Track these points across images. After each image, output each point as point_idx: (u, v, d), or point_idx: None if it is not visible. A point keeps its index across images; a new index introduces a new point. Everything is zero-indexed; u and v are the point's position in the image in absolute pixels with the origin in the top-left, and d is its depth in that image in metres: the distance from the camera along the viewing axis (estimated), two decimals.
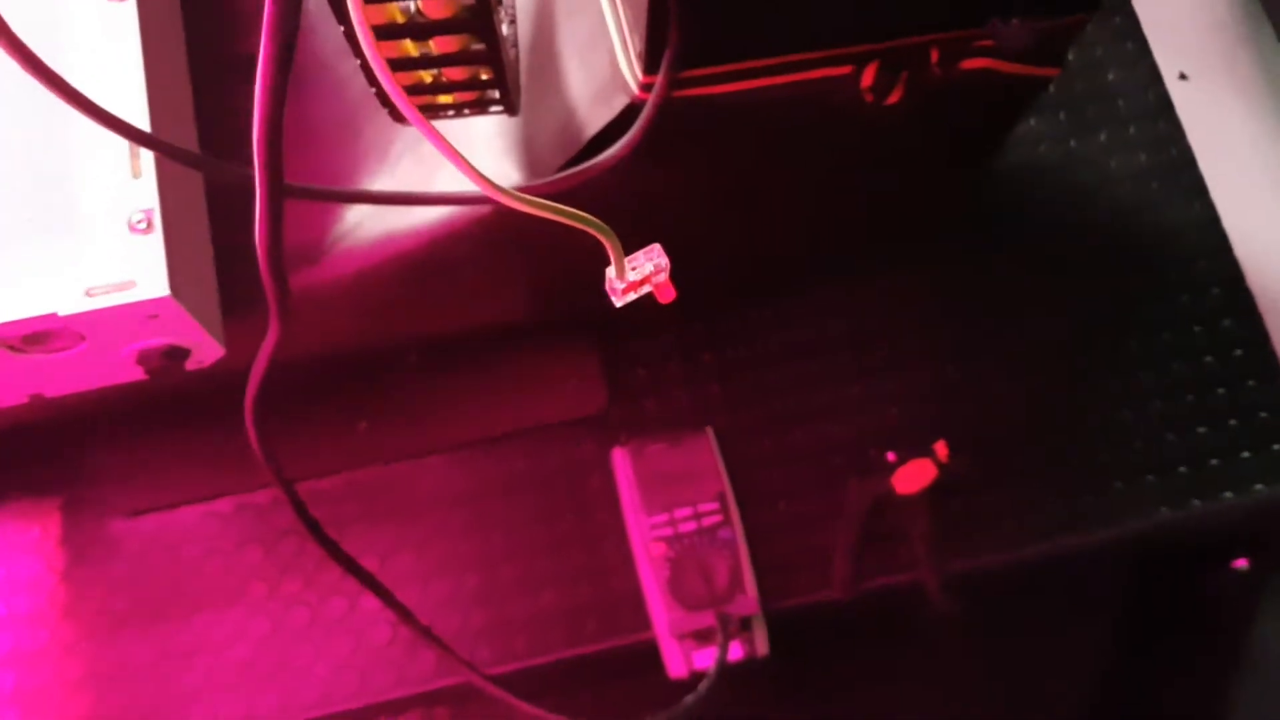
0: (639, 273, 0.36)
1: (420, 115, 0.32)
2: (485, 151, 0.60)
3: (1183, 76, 0.84)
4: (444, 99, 0.48)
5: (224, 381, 0.65)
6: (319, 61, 0.63)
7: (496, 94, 0.48)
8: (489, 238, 0.62)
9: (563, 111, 0.56)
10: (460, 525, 0.74)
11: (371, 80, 0.44)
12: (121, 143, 0.50)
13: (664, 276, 0.36)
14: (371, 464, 0.74)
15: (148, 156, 0.50)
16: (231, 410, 0.75)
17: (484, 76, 0.46)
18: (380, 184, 0.60)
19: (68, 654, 0.70)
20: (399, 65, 0.44)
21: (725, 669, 0.66)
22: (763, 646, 0.70)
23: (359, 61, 0.43)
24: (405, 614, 0.57)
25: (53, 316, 0.48)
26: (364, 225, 0.61)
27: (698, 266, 0.74)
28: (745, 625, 0.70)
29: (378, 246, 0.61)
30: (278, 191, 0.34)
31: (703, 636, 0.70)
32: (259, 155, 0.33)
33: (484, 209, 0.60)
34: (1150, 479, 0.75)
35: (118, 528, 0.72)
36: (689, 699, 0.63)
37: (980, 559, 0.73)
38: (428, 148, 0.59)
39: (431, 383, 0.75)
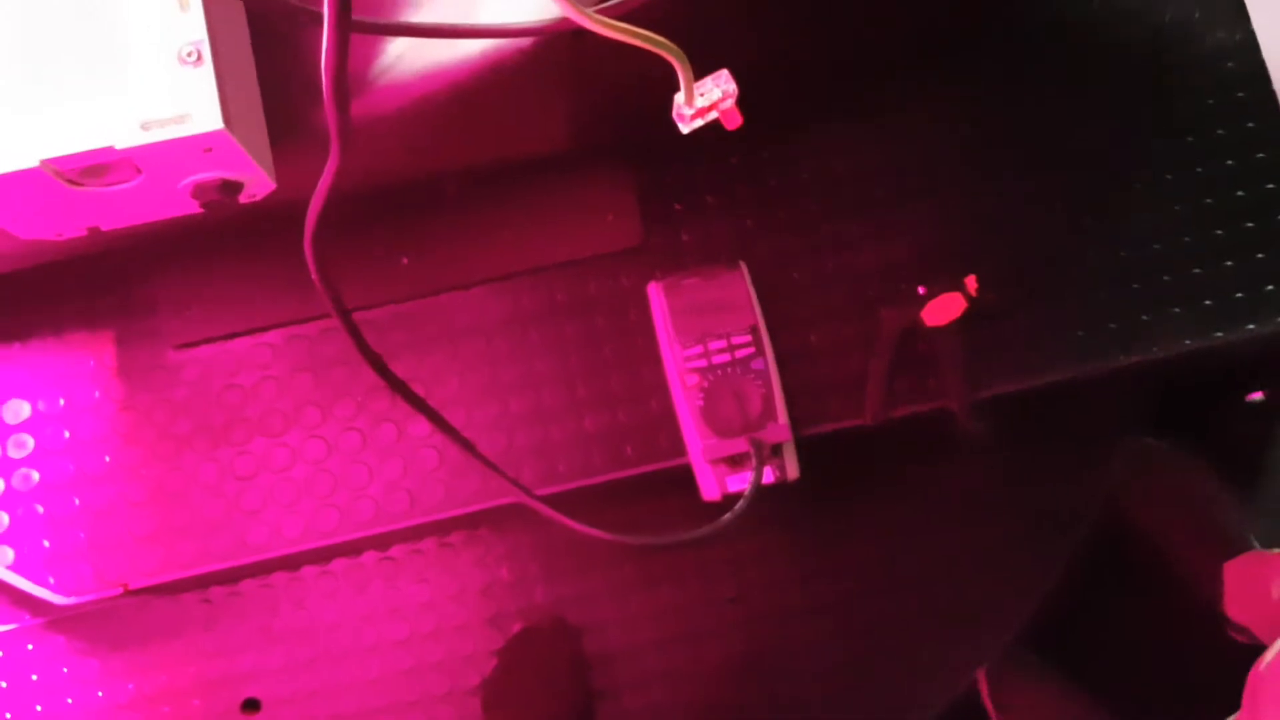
0: (707, 98, 0.37)
1: None
2: None
3: None
4: None
5: (270, 214, 0.67)
6: None
7: None
8: (530, 69, 0.63)
9: None
10: (503, 353, 0.76)
11: None
12: None
13: (731, 102, 0.37)
14: (416, 296, 0.76)
15: None
16: (278, 243, 0.76)
17: None
18: (421, 16, 0.60)
19: (131, 476, 0.73)
20: None
21: (759, 491, 0.69)
22: (793, 471, 0.73)
23: None
24: (461, 440, 0.59)
25: (109, 150, 0.49)
26: (406, 58, 0.61)
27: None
28: (776, 451, 0.73)
29: (420, 79, 0.62)
30: (345, 24, 0.35)
31: (736, 461, 0.73)
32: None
33: (526, 41, 0.61)
34: (1176, 311, 0.77)
35: (173, 357, 0.74)
36: (726, 517, 0.66)
37: (1007, 385, 0.76)
38: None
39: (471, 216, 0.76)
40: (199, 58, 0.50)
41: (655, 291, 0.75)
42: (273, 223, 0.70)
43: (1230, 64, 0.80)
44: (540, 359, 0.76)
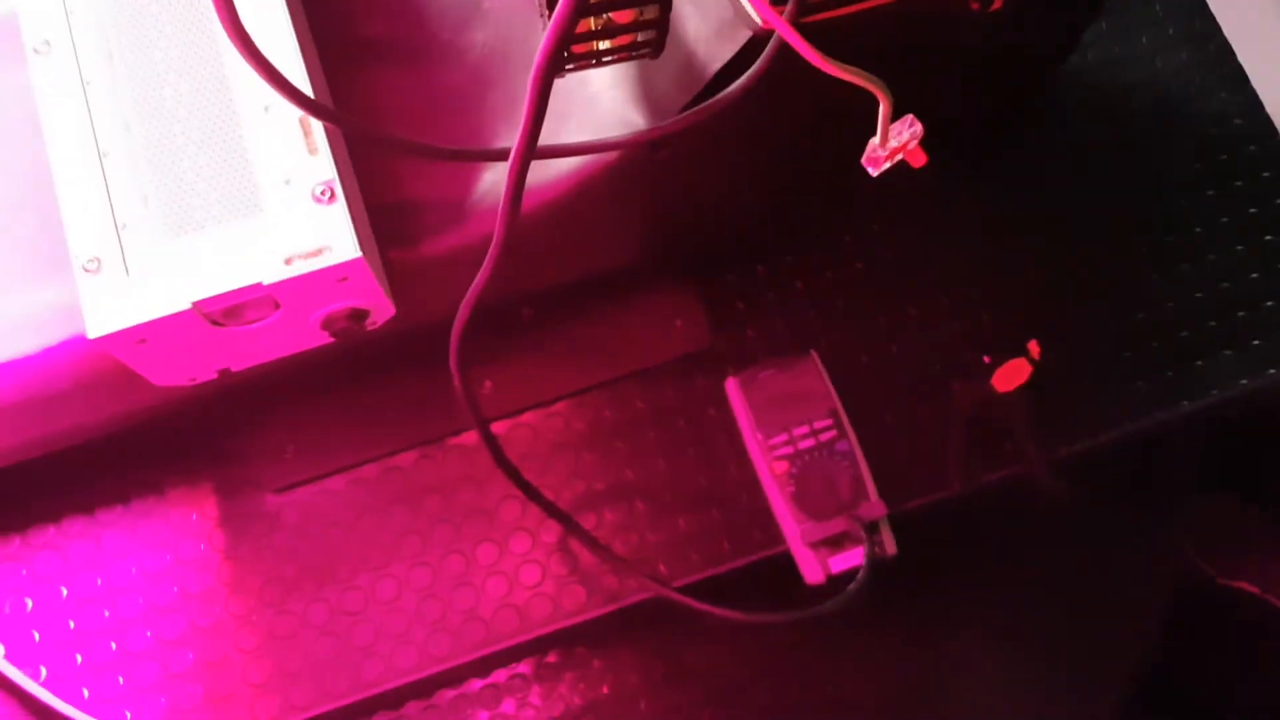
0: (898, 139, 0.40)
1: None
2: (609, 101, 0.64)
3: None
4: (602, 45, 0.52)
5: (351, 352, 0.69)
6: (435, 36, 0.67)
7: (653, 34, 0.52)
8: (609, 187, 0.67)
9: (682, 53, 0.60)
10: (590, 466, 0.78)
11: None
12: (294, 125, 0.54)
13: (916, 144, 0.40)
14: (501, 417, 0.78)
15: (319, 134, 0.54)
16: (364, 377, 0.79)
17: (647, 16, 0.50)
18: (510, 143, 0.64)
19: (242, 624, 0.74)
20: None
21: (874, 561, 0.70)
22: (891, 546, 0.74)
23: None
24: (591, 540, 0.61)
25: (257, 286, 0.52)
26: (500, 185, 0.65)
27: (791, 198, 0.79)
28: (873, 528, 0.74)
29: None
30: (530, 151, 0.38)
31: (834, 543, 0.74)
32: (527, 122, 0.37)
33: (610, 157, 0.64)
34: (1228, 353, 0.80)
35: (272, 503, 0.76)
36: (851, 587, 0.68)
37: (1079, 442, 0.78)
38: (553, 106, 0.63)
39: (548, 336, 0.79)
40: (331, 195, 0.54)
41: (733, 387, 0.78)
42: (354, 359, 0.73)
43: (1237, 121, 0.85)
44: (628, 467, 0.78)
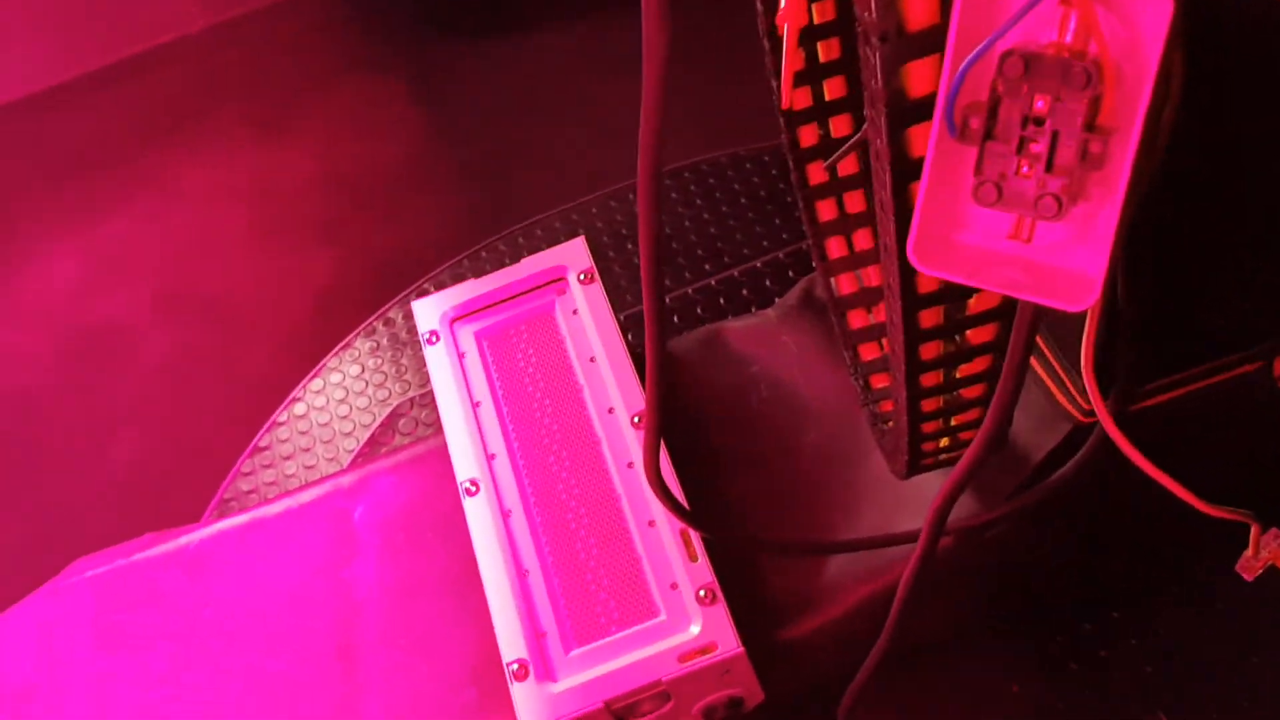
0: (1268, 550, 0.45)
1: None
2: (930, 492, 0.71)
3: None
4: (943, 443, 0.60)
5: None
6: (772, 442, 0.77)
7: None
8: (943, 566, 0.72)
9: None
10: None
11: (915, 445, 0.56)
12: (676, 536, 0.63)
13: None
14: None
15: (697, 541, 0.63)
16: None
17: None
18: (846, 534, 0.71)
19: None
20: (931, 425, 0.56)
21: None
22: None
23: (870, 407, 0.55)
24: None
25: (657, 683, 0.60)
26: (844, 571, 0.71)
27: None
28: None
29: (858, 584, 0.72)
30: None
31: None
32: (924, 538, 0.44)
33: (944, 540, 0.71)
34: None
35: None
36: None
37: None
38: (890, 497, 0.70)
39: None
40: (714, 597, 0.62)
41: None
42: None
43: None
44: None
